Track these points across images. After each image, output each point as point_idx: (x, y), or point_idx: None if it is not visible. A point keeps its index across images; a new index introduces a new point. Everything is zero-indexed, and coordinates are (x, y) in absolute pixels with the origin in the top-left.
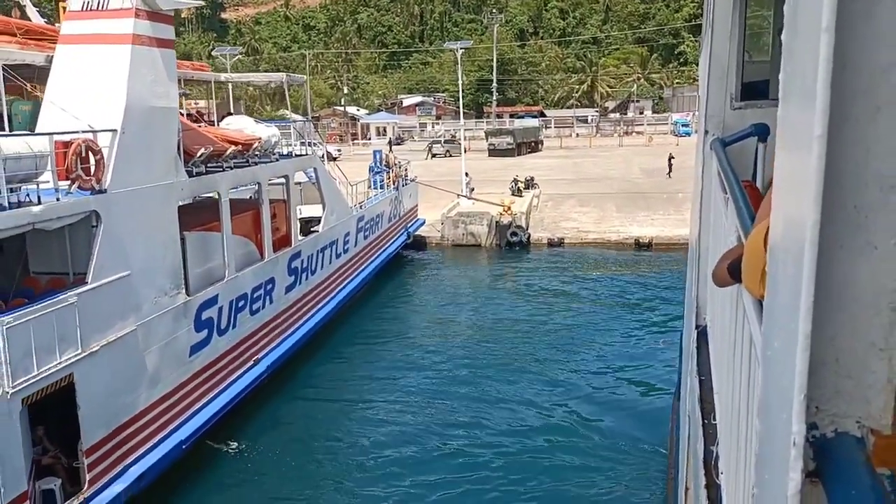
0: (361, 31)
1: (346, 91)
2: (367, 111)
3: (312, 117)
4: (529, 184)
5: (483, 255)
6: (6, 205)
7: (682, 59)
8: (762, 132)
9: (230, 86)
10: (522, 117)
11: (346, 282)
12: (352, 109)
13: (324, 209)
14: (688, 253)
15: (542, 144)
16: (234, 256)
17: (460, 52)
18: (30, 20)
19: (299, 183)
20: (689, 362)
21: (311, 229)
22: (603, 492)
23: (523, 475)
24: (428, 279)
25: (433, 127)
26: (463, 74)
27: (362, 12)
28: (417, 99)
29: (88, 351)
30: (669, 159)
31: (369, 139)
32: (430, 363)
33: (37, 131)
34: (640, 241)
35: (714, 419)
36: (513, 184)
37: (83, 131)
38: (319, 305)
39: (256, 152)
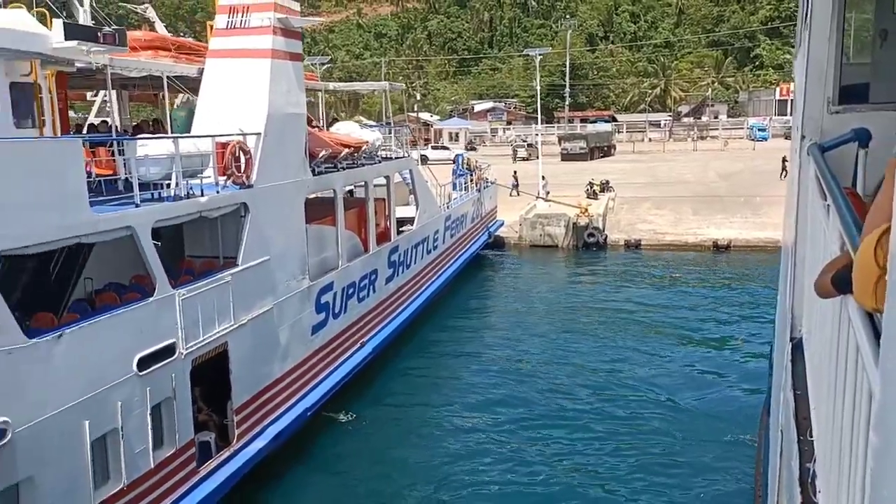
0: (432, 38)
1: (418, 97)
2: (438, 117)
3: (385, 123)
4: (605, 187)
5: (560, 255)
6: (183, 195)
7: (757, 63)
8: (863, 137)
9: (320, 93)
10: (594, 122)
11: (435, 276)
12: (424, 115)
13: (417, 207)
14: (780, 260)
15: (615, 149)
16: (345, 248)
17: (538, 58)
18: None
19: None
20: (783, 376)
21: (400, 230)
22: None
23: (597, 481)
24: (508, 277)
25: (504, 132)
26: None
27: (432, 19)
28: (488, 104)
29: (239, 323)
30: (783, 161)
31: (446, 146)
32: (513, 355)
33: (193, 134)
34: (718, 243)
35: (811, 436)
36: (588, 187)
37: (236, 134)
38: (413, 297)
39: (363, 154)
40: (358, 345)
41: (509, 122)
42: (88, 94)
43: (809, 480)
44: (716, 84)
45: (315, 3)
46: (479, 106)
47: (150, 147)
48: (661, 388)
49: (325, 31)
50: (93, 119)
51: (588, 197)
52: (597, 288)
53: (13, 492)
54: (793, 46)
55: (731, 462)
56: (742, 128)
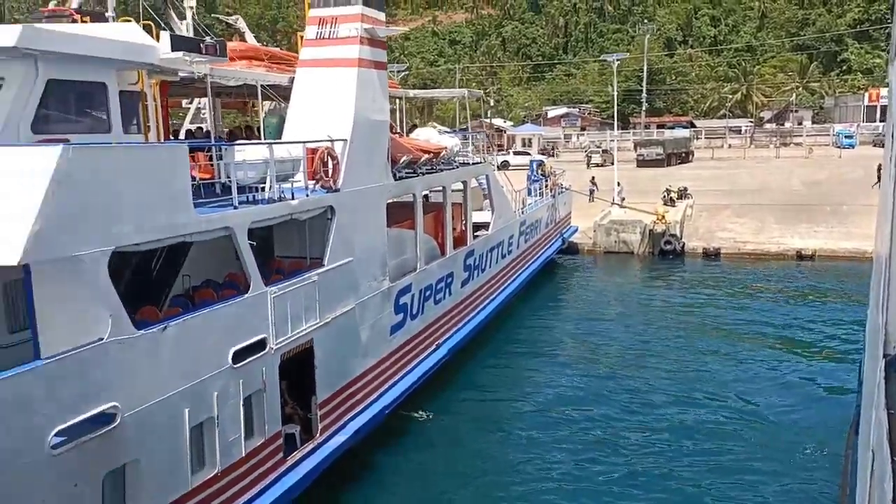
0: (506, 44)
1: (491, 103)
2: (511, 123)
3: (461, 129)
4: (682, 194)
5: (635, 262)
6: (275, 198)
7: (845, 67)
8: None
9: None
10: (672, 128)
11: (509, 281)
12: (497, 121)
13: (492, 212)
14: (870, 271)
15: (693, 155)
16: (423, 251)
17: (616, 63)
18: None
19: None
20: (875, 394)
21: (475, 234)
22: None
23: (671, 483)
24: (582, 283)
25: (578, 138)
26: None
27: (507, 25)
28: (562, 110)
29: (324, 321)
30: (878, 169)
31: (528, 151)
32: (588, 359)
33: (284, 140)
34: (802, 252)
35: None
36: (665, 193)
37: (325, 140)
38: (488, 300)
39: (442, 160)
40: (434, 346)
41: (583, 128)
42: (184, 102)
43: None
44: (800, 89)
45: (392, 11)
46: (553, 112)
47: (246, 152)
48: (737, 397)
49: (400, 38)
50: (188, 125)
51: (665, 204)
52: (673, 296)
53: (120, 473)
54: (884, 50)
55: (811, 474)
56: (827, 134)
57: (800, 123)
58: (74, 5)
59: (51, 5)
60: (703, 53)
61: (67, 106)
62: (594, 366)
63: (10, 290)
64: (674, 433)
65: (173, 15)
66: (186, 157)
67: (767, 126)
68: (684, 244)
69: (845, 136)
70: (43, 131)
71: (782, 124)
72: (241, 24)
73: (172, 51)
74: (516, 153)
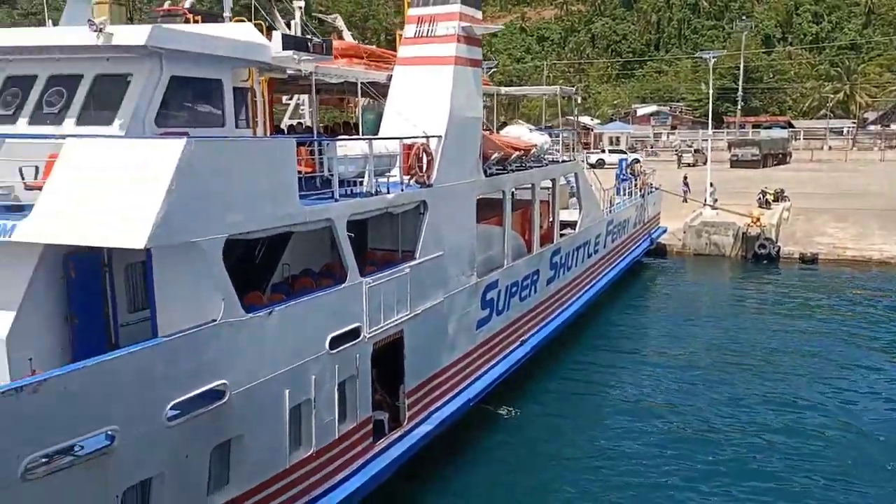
0: (595, 41)
1: (578, 101)
2: (598, 121)
3: (546, 126)
4: (779, 196)
5: (727, 266)
6: (373, 192)
7: None
8: None
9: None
10: (769, 128)
11: (595, 280)
12: (584, 119)
13: (580, 211)
14: None
15: (791, 156)
16: (510, 248)
17: (713, 60)
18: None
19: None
20: None
21: (560, 233)
22: None
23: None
24: (670, 285)
25: (668, 137)
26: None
27: (597, 21)
28: (652, 108)
29: (413, 313)
30: None
31: (623, 149)
32: (674, 362)
33: (380, 136)
34: None
35: None
36: (760, 195)
37: (421, 136)
38: (573, 299)
39: (531, 157)
40: (518, 342)
41: (674, 127)
42: (283, 98)
43: None
44: None
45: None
46: (642, 110)
47: (347, 147)
48: (833, 404)
49: (488, 35)
50: (287, 121)
51: (760, 206)
52: (766, 300)
53: (226, 447)
54: None
55: None
56: None
57: None
58: (187, 5)
59: (165, 5)
60: (804, 51)
61: (187, 101)
62: (680, 367)
63: (130, 273)
64: (761, 443)
65: (277, 14)
66: (294, 152)
67: (871, 127)
68: (779, 248)
69: None
70: (165, 125)
71: (888, 126)
72: (340, 22)
73: (283, 50)
74: (611, 151)
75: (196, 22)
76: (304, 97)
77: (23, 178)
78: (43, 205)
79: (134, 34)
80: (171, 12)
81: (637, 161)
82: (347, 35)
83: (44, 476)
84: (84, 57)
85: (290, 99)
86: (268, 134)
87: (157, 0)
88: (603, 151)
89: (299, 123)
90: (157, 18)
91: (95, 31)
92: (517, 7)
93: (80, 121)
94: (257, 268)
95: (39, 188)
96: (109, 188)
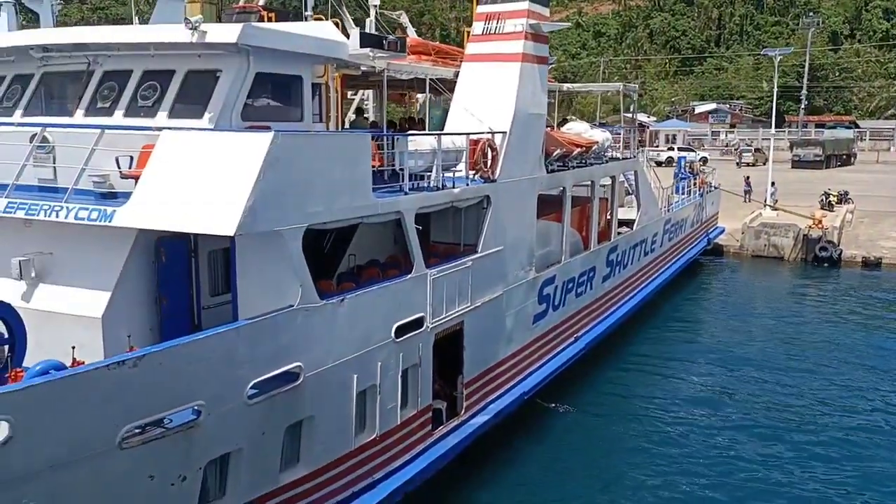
0: (653, 37)
1: (635, 98)
2: (654, 118)
3: (599, 123)
4: (842, 198)
5: (785, 269)
6: (440, 186)
7: None
8: None
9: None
10: (833, 127)
11: (651, 278)
12: (640, 116)
13: (638, 209)
14: None
15: (855, 157)
16: (568, 244)
17: (778, 58)
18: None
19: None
20: None
21: (618, 231)
22: None
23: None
24: (728, 286)
25: (726, 135)
26: (765, 81)
27: (655, 17)
28: (711, 106)
29: (474, 305)
30: None
31: (692, 147)
32: (730, 364)
33: (447, 131)
34: None
35: None
36: (823, 197)
37: (487, 132)
38: (628, 297)
39: (592, 154)
40: (573, 338)
41: (733, 126)
42: (349, 93)
43: None
44: None
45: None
46: (701, 107)
47: (416, 142)
48: (883, 414)
49: None
50: (351, 115)
51: (822, 208)
52: (826, 305)
53: (298, 427)
54: None
55: None
56: None
57: None
58: (261, 2)
59: (241, 2)
60: (873, 49)
61: (270, 96)
62: (736, 368)
63: (212, 259)
64: (816, 450)
65: (345, 12)
66: (369, 146)
67: None
68: (841, 251)
69: None
70: (250, 118)
71: None
72: (405, 19)
73: (361, 47)
74: (681, 149)
75: (270, 19)
76: (369, 92)
77: (118, 168)
78: (141, 193)
79: (226, 32)
80: (246, 10)
81: (705, 160)
82: (412, 31)
83: (138, 445)
84: (177, 53)
85: (355, 94)
86: (339, 129)
87: None
88: (671, 149)
89: (364, 118)
90: (232, 16)
91: (191, 29)
92: (573, 2)
93: (172, 114)
94: (326, 257)
95: (134, 177)
96: (202, 178)
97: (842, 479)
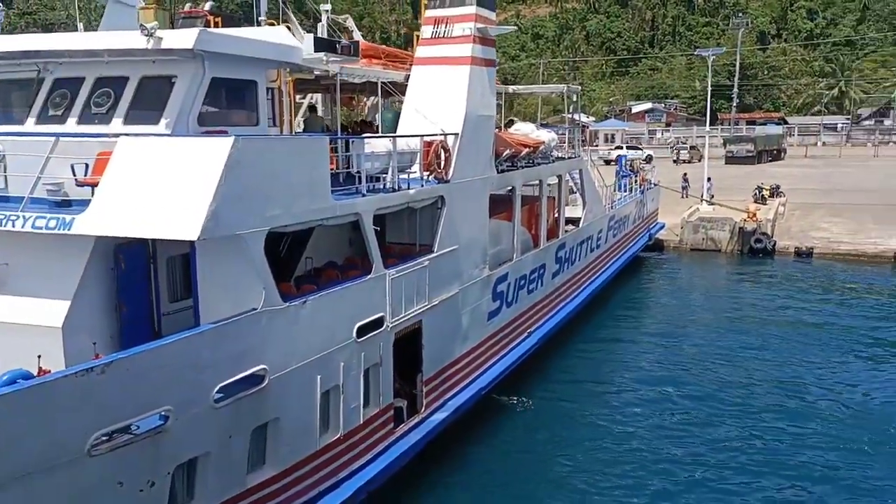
0: (590, 38)
1: (574, 98)
2: (593, 118)
3: (542, 124)
4: (774, 192)
5: (723, 260)
6: (396, 188)
7: None
8: None
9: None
10: (764, 124)
11: (598, 274)
12: (581, 117)
13: (584, 206)
14: None
15: (785, 153)
16: (519, 242)
17: (711, 58)
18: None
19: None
20: None
21: (564, 229)
22: None
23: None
24: (669, 278)
25: (662, 134)
26: (697, 80)
27: (591, 19)
28: (647, 105)
29: (431, 304)
30: None
31: (639, 146)
32: (673, 355)
33: (401, 133)
34: None
35: None
36: (756, 191)
37: (440, 134)
38: (576, 292)
39: (539, 154)
40: (526, 333)
41: (668, 124)
42: (297, 97)
43: None
44: None
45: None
46: (637, 107)
47: (371, 145)
48: (824, 395)
49: None
50: (306, 113)
51: (756, 201)
52: (761, 293)
53: (264, 428)
54: None
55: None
56: None
57: None
58: (207, 7)
59: (186, 7)
60: (798, 48)
61: (225, 101)
62: (680, 357)
63: (171, 265)
64: (760, 413)
65: (291, 16)
66: (327, 149)
67: (865, 123)
68: (775, 243)
69: None
70: (206, 124)
71: (882, 122)
72: (350, 23)
73: (315, 52)
74: (629, 147)
75: (217, 25)
76: (318, 96)
77: (74, 175)
78: (100, 199)
79: (182, 38)
80: (192, 14)
81: (650, 157)
82: (357, 35)
83: (106, 452)
84: (131, 60)
85: (304, 98)
86: (292, 132)
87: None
88: (620, 148)
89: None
90: (178, 21)
91: (147, 35)
92: (511, 5)
93: (128, 120)
94: (283, 261)
95: (91, 184)
96: (163, 183)
97: (781, 452)
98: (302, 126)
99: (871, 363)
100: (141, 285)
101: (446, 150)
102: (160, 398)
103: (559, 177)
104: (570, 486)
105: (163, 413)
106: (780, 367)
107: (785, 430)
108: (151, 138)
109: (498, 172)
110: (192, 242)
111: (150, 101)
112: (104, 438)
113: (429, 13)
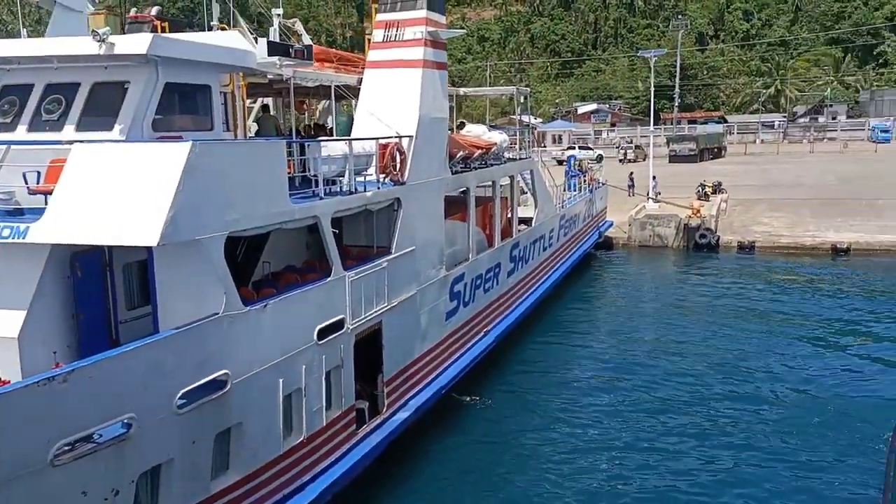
0: (535, 41)
1: (521, 100)
2: (540, 120)
3: (491, 126)
4: (717, 188)
5: (670, 256)
6: (353, 190)
7: (881, 61)
8: None
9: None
10: (705, 123)
11: (549, 272)
12: (526, 118)
13: (535, 206)
14: None
15: (726, 150)
16: (475, 242)
17: (653, 59)
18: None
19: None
20: None
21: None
22: None
23: (710, 472)
24: (618, 275)
25: (608, 134)
26: (640, 80)
27: (536, 22)
28: (592, 106)
29: (390, 305)
30: None
31: (590, 146)
32: (625, 348)
33: (361, 136)
34: (838, 246)
35: None
36: (699, 188)
37: (395, 137)
38: (530, 291)
39: (491, 155)
40: (483, 332)
41: (613, 124)
42: (248, 101)
43: None
44: (834, 83)
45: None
46: (583, 108)
47: (328, 148)
48: (770, 384)
49: None
50: (259, 113)
51: (699, 198)
52: (707, 288)
53: (227, 433)
54: None
55: (849, 474)
56: (862, 129)
57: (834, 118)
58: (154, 12)
59: (132, 12)
60: (736, 48)
61: (179, 106)
62: (631, 347)
63: (127, 272)
64: (705, 400)
65: (241, 21)
66: (284, 153)
67: (801, 121)
68: (719, 238)
69: (881, 131)
70: (160, 129)
71: (816, 119)
72: (299, 27)
73: (269, 56)
74: (581, 148)
75: (164, 30)
76: (269, 100)
77: (26, 184)
78: (55, 207)
79: (135, 43)
80: (138, 19)
81: (601, 157)
82: (307, 38)
83: (69, 462)
84: (82, 66)
85: (254, 102)
86: (246, 137)
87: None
88: (572, 148)
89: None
90: (125, 25)
91: (99, 41)
92: (457, 8)
93: (80, 127)
94: (240, 265)
95: (44, 192)
96: (120, 190)
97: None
98: (255, 127)
99: (813, 348)
100: (98, 293)
101: (402, 153)
102: (123, 406)
103: (511, 177)
104: (529, 473)
105: (126, 421)
106: (727, 354)
107: (734, 414)
108: (107, 144)
109: (452, 174)
110: (150, 249)
111: (103, 108)
112: (67, 448)
113: (380, 17)
